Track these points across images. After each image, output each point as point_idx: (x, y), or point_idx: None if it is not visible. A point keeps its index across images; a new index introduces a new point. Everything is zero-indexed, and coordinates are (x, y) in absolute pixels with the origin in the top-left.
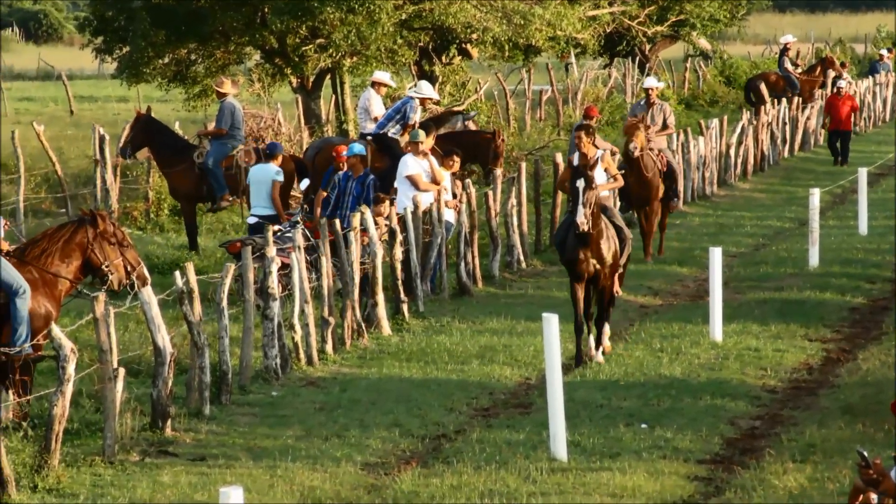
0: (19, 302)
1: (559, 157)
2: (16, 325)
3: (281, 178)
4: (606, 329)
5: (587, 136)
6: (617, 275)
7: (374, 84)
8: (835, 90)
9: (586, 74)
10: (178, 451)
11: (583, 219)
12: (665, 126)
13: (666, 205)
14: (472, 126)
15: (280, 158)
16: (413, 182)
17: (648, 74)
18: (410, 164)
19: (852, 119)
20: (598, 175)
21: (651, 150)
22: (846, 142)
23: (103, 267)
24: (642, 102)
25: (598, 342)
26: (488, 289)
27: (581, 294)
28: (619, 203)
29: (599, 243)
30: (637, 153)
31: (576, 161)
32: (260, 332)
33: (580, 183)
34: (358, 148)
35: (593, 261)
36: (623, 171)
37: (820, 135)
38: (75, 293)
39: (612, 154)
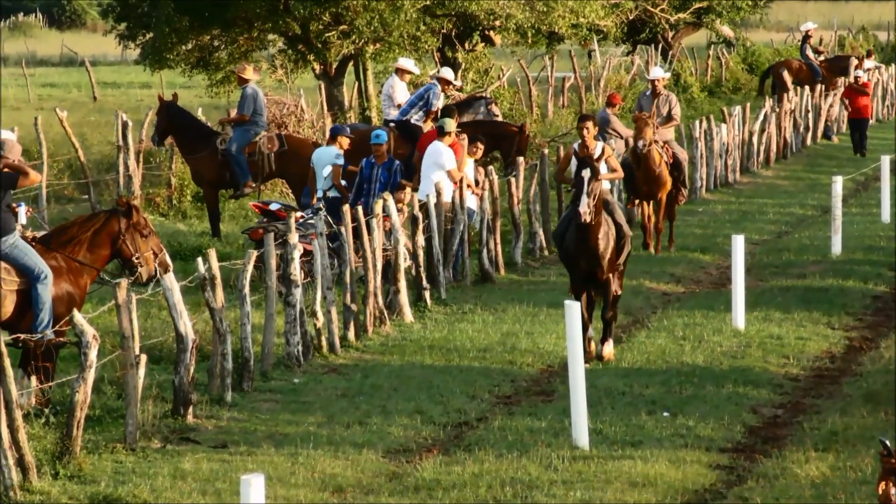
0: (41, 287)
1: None
2: (37, 310)
3: (341, 161)
4: (609, 342)
5: (594, 128)
6: (616, 273)
7: (398, 71)
8: (852, 79)
9: (609, 61)
10: (199, 437)
11: (586, 209)
12: (670, 117)
13: (674, 197)
14: (494, 109)
15: (341, 141)
16: (449, 175)
17: (671, 62)
18: (447, 155)
19: (870, 108)
20: (601, 167)
21: (657, 142)
22: (864, 131)
23: (134, 258)
24: (648, 93)
25: (604, 339)
26: (511, 276)
27: (583, 290)
28: (622, 195)
29: (598, 236)
30: (645, 150)
31: (577, 151)
32: (282, 319)
33: (586, 173)
34: (384, 135)
35: (591, 257)
36: (628, 163)
37: (843, 122)
38: (98, 280)
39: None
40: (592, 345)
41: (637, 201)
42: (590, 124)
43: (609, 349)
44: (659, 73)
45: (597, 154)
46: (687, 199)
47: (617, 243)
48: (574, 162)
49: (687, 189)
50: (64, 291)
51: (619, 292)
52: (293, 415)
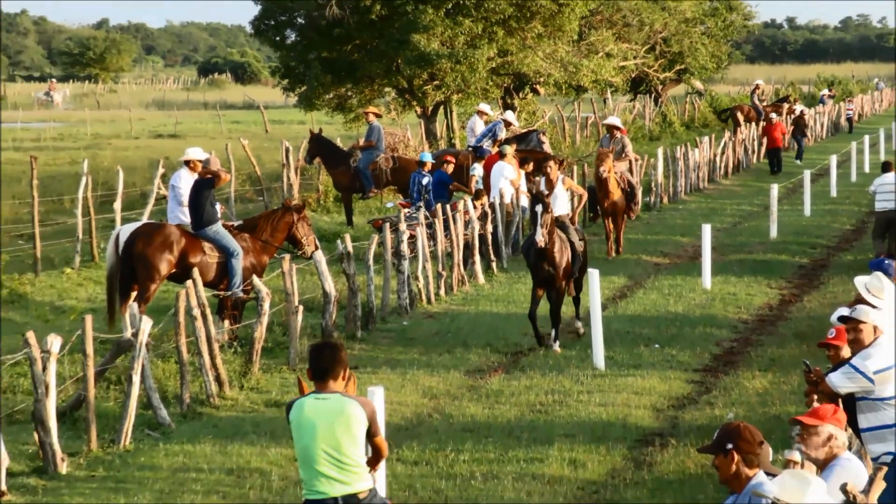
0: (234, 261)
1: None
2: (231, 276)
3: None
4: (579, 324)
5: (556, 165)
6: (574, 281)
7: (479, 112)
8: (766, 120)
9: (617, 106)
10: None
11: (540, 237)
12: (623, 154)
13: (626, 213)
14: (544, 139)
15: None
16: (511, 183)
17: (660, 106)
18: (508, 170)
19: (783, 140)
20: (561, 195)
21: (616, 172)
22: (779, 156)
23: (302, 240)
24: (607, 136)
25: (556, 337)
26: None
27: (540, 293)
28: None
29: (554, 254)
30: (605, 174)
31: (542, 186)
32: (395, 282)
33: (538, 207)
34: (430, 156)
35: (549, 268)
36: (593, 188)
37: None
38: (278, 255)
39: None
40: (556, 344)
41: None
42: (552, 163)
43: (557, 346)
44: (614, 121)
45: (557, 186)
46: (670, 201)
47: (570, 257)
48: (531, 198)
49: (638, 207)
50: (250, 263)
51: (575, 294)
52: (403, 347)
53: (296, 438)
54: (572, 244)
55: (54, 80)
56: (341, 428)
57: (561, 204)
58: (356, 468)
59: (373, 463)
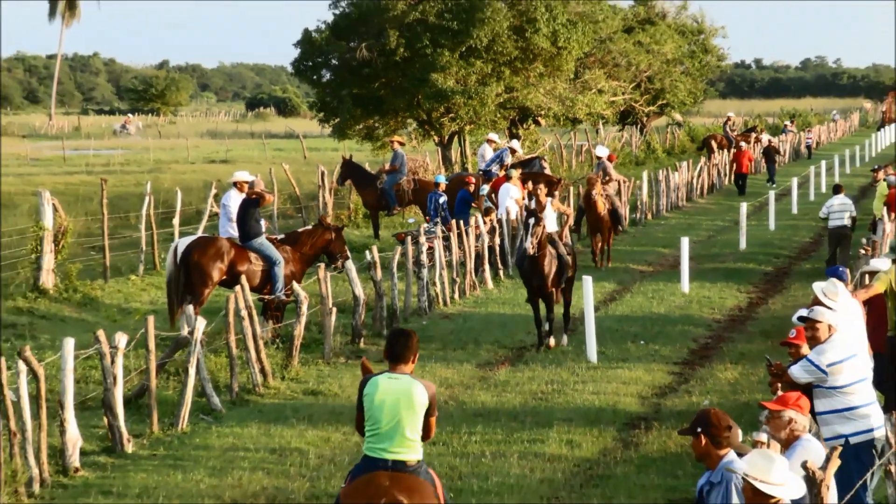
0: (276, 269)
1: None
2: (274, 281)
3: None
4: (564, 338)
5: (545, 187)
6: (561, 289)
7: (488, 140)
8: (737, 148)
9: (608, 135)
10: (367, 355)
11: (529, 246)
12: (609, 178)
13: (613, 231)
14: (544, 164)
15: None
16: (516, 202)
17: (645, 135)
18: (514, 190)
19: (749, 166)
20: (550, 214)
21: (603, 194)
22: (744, 180)
23: (337, 255)
24: (598, 162)
25: (549, 333)
26: None
27: (536, 300)
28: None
29: (544, 264)
30: (595, 196)
31: (533, 205)
32: (416, 287)
33: (531, 220)
34: (443, 178)
35: (538, 277)
36: (581, 208)
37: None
38: (314, 266)
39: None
40: (551, 339)
41: (587, 233)
42: (541, 186)
43: (552, 342)
44: (599, 151)
45: (546, 207)
46: (654, 217)
47: (558, 269)
48: (525, 212)
49: (623, 227)
50: (290, 271)
51: (561, 300)
52: (423, 343)
53: (367, 408)
54: (561, 257)
55: (129, 115)
56: (406, 406)
57: (550, 222)
58: (412, 442)
59: (422, 438)
